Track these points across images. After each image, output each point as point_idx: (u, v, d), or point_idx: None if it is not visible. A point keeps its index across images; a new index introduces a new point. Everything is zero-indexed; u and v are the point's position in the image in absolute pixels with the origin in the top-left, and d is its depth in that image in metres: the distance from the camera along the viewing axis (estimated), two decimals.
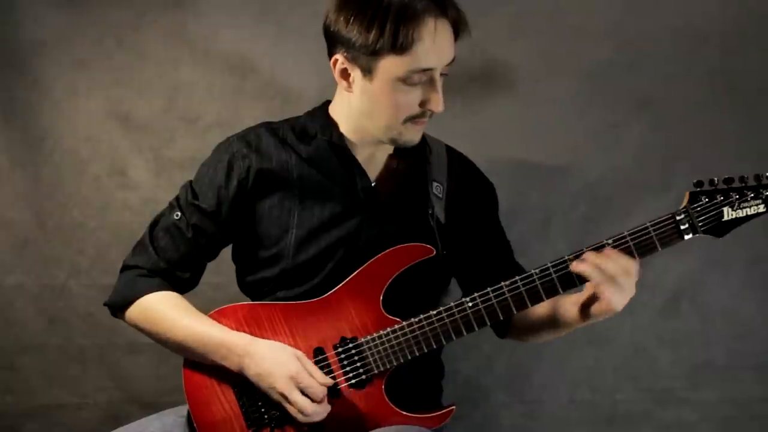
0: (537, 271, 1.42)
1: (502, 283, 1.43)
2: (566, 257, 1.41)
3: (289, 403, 1.42)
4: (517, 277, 1.43)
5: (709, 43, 1.98)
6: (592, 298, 1.42)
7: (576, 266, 1.39)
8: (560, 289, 1.42)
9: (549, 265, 1.41)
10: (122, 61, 2.09)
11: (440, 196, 1.59)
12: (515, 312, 1.44)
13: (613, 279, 1.36)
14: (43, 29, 2.08)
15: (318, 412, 1.42)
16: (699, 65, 1.99)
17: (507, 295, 1.43)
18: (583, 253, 1.40)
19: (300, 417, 1.42)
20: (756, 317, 2.05)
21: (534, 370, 2.10)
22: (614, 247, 1.39)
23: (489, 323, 1.44)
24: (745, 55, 1.98)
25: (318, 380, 1.43)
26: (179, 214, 1.57)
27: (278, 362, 1.43)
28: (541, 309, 1.55)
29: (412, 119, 1.47)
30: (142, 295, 1.55)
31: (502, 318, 1.44)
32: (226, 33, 2.08)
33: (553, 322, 1.54)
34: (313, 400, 1.42)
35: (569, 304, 1.49)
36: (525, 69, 2.03)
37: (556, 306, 1.53)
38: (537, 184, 2.06)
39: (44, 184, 2.12)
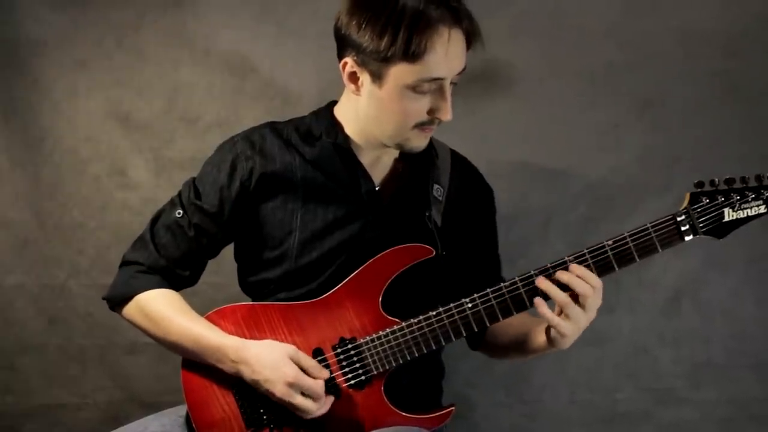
0: (536, 272, 1.41)
1: (502, 285, 1.43)
2: (566, 258, 1.41)
3: (292, 406, 1.43)
4: (516, 278, 1.42)
5: (710, 43, 1.98)
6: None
7: (540, 282, 1.39)
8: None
9: (549, 265, 1.41)
10: (122, 62, 2.09)
11: (440, 198, 1.58)
12: (514, 313, 1.43)
13: (571, 303, 1.36)
14: (43, 29, 2.07)
15: (321, 407, 1.43)
16: (700, 66, 1.99)
17: (507, 296, 1.42)
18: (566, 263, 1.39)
19: (305, 416, 1.43)
20: (756, 316, 2.04)
21: (534, 370, 2.10)
22: (613, 248, 1.39)
23: (489, 324, 1.44)
24: (746, 56, 1.98)
25: (315, 376, 1.43)
26: (181, 212, 1.56)
27: (275, 369, 1.42)
28: (513, 328, 1.55)
29: (419, 126, 1.46)
30: (140, 293, 1.54)
31: (501, 320, 1.44)
32: (226, 33, 2.07)
33: (522, 342, 1.53)
34: (314, 398, 1.42)
35: (541, 327, 1.48)
36: (526, 69, 2.03)
37: (529, 327, 1.52)
38: (537, 185, 2.05)
39: (44, 184, 2.12)
